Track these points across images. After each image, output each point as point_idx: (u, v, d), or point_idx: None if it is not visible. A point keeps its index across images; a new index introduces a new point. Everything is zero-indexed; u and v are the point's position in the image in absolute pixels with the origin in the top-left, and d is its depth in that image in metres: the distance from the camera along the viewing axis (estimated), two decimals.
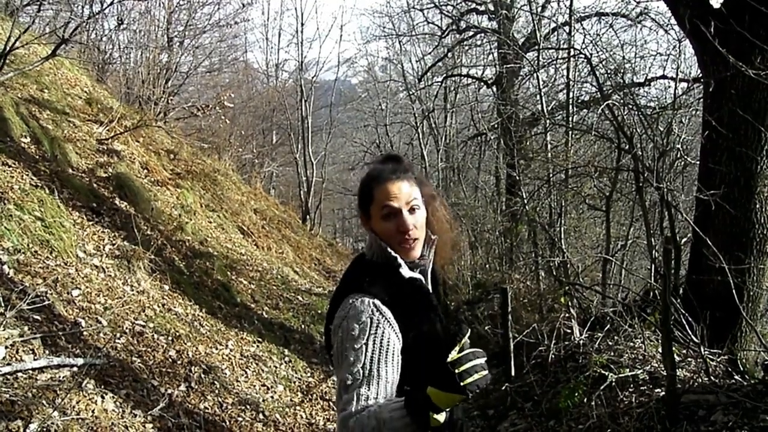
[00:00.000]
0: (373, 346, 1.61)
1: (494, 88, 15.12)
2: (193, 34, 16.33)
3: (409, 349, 1.70)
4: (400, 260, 1.78)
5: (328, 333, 1.78)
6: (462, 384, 1.40)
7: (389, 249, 1.78)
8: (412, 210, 1.78)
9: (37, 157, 6.01)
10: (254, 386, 5.21)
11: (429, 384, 1.44)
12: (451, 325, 1.91)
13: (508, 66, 12.70)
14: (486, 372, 1.45)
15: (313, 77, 26.35)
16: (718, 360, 4.60)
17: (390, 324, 1.66)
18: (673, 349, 4.11)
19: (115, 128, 8.59)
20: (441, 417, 1.46)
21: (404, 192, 1.77)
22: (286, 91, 27.01)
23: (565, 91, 9.05)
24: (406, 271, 1.79)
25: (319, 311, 8.56)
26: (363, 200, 1.85)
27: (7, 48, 5.23)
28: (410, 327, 1.72)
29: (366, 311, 1.65)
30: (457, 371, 1.41)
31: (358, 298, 1.68)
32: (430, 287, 1.91)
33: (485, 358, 1.47)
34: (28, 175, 5.41)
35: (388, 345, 1.63)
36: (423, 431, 1.45)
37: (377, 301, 1.67)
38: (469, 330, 1.61)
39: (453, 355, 1.44)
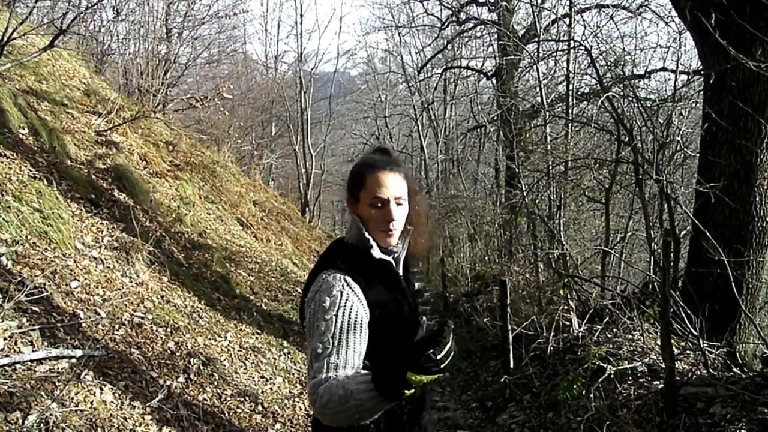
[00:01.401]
0: (343, 318, 1.75)
1: (494, 80, 15.09)
2: (192, 25, 16.26)
3: (375, 324, 1.84)
4: (372, 242, 1.91)
5: (302, 306, 1.91)
6: (433, 368, 1.55)
7: (364, 232, 1.91)
8: (398, 203, 1.91)
9: (36, 148, 5.99)
10: (253, 378, 5.21)
11: (406, 367, 1.55)
12: (407, 280, 2.08)
13: (508, 58, 12.67)
14: (455, 351, 1.60)
15: (312, 69, 26.35)
16: (717, 352, 4.61)
17: (359, 298, 1.80)
18: (672, 341, 4.11)
19: (113, 120, 8.56)
20: (411, 391, 1.58)
21: (395, 185, 1.90)
22: (286, 82, 26.97)
23: (565, 83, 9.03)
24: (376, 253, 1.92)
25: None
26: (354, 185, 1.96)
27: (5, 39, 5.21)
28: (377, 304, 1.85)
29: (337, 285, 1.78)
30: (428, 353, 1.55)
31: (330, 274, 1.82)
32: (401, 273, 2.05)
33: (453, 335, 1.60)
34: (26, 166, 5.39)
35: (356, 317, 1.77)
36: (392, 400, 1.60)
37: (348, 277, 1.81)
38: (420, 285, 1.77)
39: (439, 354, 1.56)
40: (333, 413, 1.66)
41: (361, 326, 1.78)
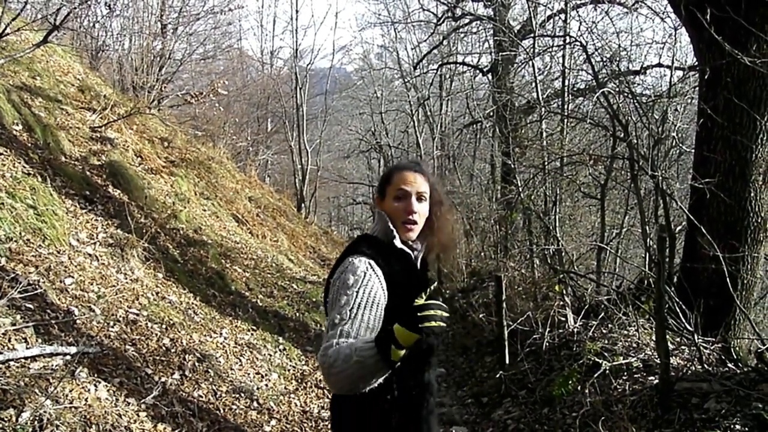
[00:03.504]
0: (363, 294, 1.91)
1: (490, 76, 15.06)
2: (186, 20, 16.19)
3: (391, 310, 1.97)
4: (395, 233, 2.09)
5: (327, 287, 2.07)
6: (420, 326, 1.67)
7: (389, 224, 2.10)
8: (419, 198, 2.12)
9: (30, 144, 5.96)
10: (248, 374, 5.21)
11: (396, 323, 1.71)
12: (423, 273, 2.25)
13: (504, 54, 12.65)
14: (444, 324, 1.69)
15: (308, 65, 26.23)
16: (712, 348, 4.62)
17: (380, 281, 1.97)
18: (667, 337, 4.12)
19: (108, 116, 8.53)
20: (400, 352, 1.72)
21: (417, 182, 2.12)
22: (281, 78, 26.90)
23: (560, 79, 9.01)
24: (398, 242, 2.11)
25: (314, 299, 8.56)
26: (382, 182, 2.19)
27: None
28: (396, 289, 2.01)
29: (361, 267, 1.95)
30: (419, 314, 1.67)
31: (356, 257, 1.99)
32: (418, 267, 2.20)
33: (447, 314, 1.71)
34: (20, 162, 5.37)
35: (375, 296, 1.93)
36: (386, 361, 1.72)
37: (372, 261, 1.98)
38: (436, 281, 2.00)
39: (419, 300, 1.72)
40: (338, 372, 1.77)
41: (378, 305, 1.94)
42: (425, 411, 2.18)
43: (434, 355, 2.17)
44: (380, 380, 1.82)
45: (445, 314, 1.69)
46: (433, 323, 1.67)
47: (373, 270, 1.96)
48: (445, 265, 2.30)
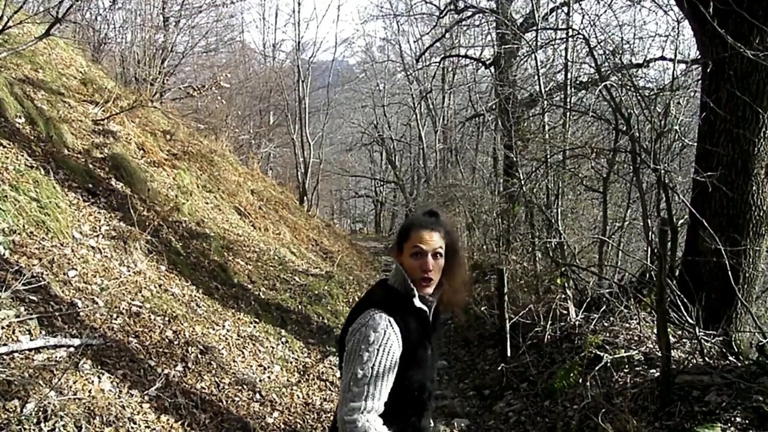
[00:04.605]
0: (383, 353, 2.03)
1: (492, 69, 15.04)
2: (189, 13, 16.17)
3: (402, 364, 2.11)
4: (415, 291, 2.19)
5: (342, 339, 2.19)
6: None
7: (409, 281, 2.19)
8: (435, 256, 2.20)
9: (32, 137, 5.97)
10: (251, 366, 5.23)
11: None
12: (436, 320, 2.37)
13: (507, 46, 12.61)
14: None
15: (310, 57, 26.20)
16: (713, 341, 4.63)
17: (397, 339, 2.08)
18: (669, 330, 4.13)
19: (110, 109, 8.53)
20: None
21: (434, 240, 2.20)
22: (283, 71, 26.85)
23: (563, 72, 9.01)
24: (417, 302, 2.20)
25: (316, 292, 8.57)
26: (401, 237, 2.26)
27: (0, 27, 5.18)
28: (408, 345, 2.12)
29: (382, 324, 2.06)
30: None
31: (377, 313, 2.08)
32: (431, 318, 2.31)
33: None
34: (23, 155, 5.38)
35: (394, 355, 2.06)
36: None
37: (392, 319, 2.08)
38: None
39: None
40: None
41: (395, 363, 2.07)
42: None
43: (429, 404, 2.33)
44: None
45: None
46: None
47: (392, 328, 2.07)
48: (454, 308, 2.38)
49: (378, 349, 2.02)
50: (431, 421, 2.47)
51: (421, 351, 2.22)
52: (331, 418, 3.94)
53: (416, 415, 2.25)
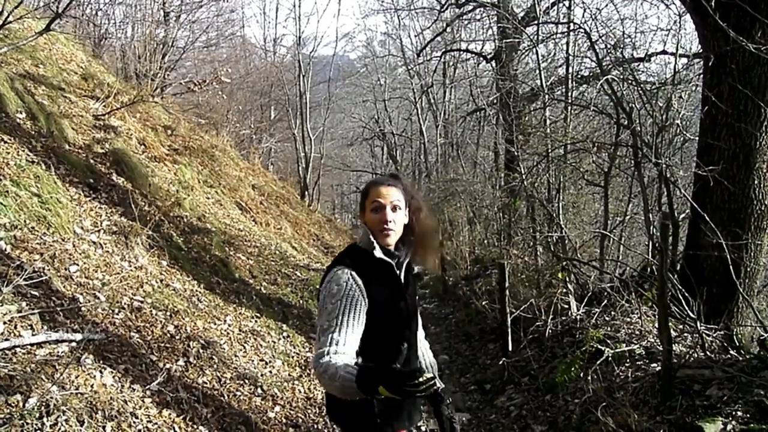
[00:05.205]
0: (346, 302, 2.19)
1: (493, 63, 14.99)
2: (189, 8, 16.16)
3: (371, 312, 2.27)
4: (375, 244, 2.36)
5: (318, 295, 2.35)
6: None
7: (371, 236, 2.37)
8: (394, 209, 2.37)
9: (33, 132, 5.97)
10: (252, 361, 5.23)
11: (381, 382, 1.84)
12: (408, 275, 2.55)
13: (508, 41, 12.59)
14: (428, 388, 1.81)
15: (311, 52, 26.15)
16: (714, 335, 4.63)
17: (360, 290, 2.24)
18: (670, 324, 4.13)
19: (111, 104, 8.53)
20: (385, 392, 1.86)
21: (391, 194, 2.37)
22: (284, 66, 26.81)
23: (564, 66, 8.97)
24: (378, 253, 2.37)
25: (318, 287, 8.57)
26: (363, 197, 2.43)
27: (1, 22, 5.17)
28: (374, 294, 2.29)
29: (343, 277, 2.24)
30: (406, 385, 1.79)
31: (339, 269, 2.28)
32: (403, 276, 2.49)
33: (437, 387, 1.83)
34: (24, 150, 5.38)
35: (357, 303, 2.21)
36: (366, 394, 1.91)
37: (353, 272, 2.26)
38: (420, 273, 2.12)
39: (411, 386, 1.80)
40: (325, 383, 2.06)
41: (360, 312, 2.21)
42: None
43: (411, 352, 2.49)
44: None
45: (434, 387, 1.81)
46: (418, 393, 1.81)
47: (354, 280, 2.24)
48: (426, 266, 2.44)
49: (341, 300, 2.18)
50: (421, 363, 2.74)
51: (390, 301, 2.39)
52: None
53: (396, 363, 2.24)
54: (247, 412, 4.37)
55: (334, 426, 4.71)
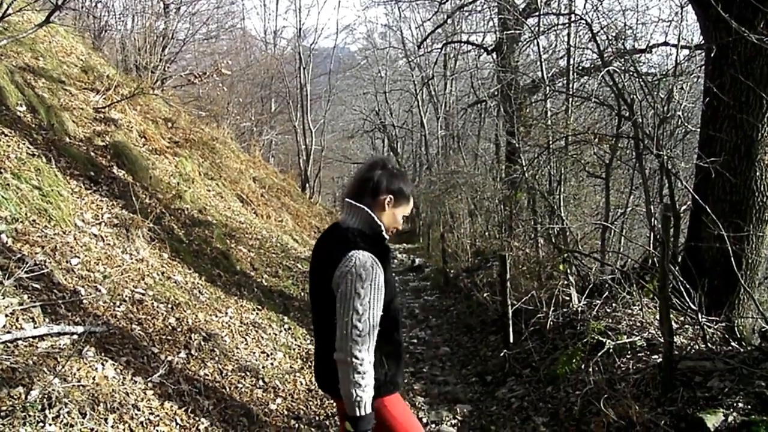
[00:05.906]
0: (375, 288, 2.36)
1: (494, 55, 14.95)
2: (189, 0, 16.11)
3: (386, 295, 2.46)
4: (385, 234, 2.59)
5: (318, 271, 2.58)
6: None
7: (378, 224, 2.56)
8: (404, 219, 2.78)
9: (34, 125, 5.96)
10: (254, 353, 5.24)
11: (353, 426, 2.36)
12: None
13: (509, 32, 12.54)
14: None
15: (311, 44, 26.14)
16: (716, 327, 4.63)
17: (381, 272, 2.41)
18: (671, 316, 4.13)
19: (111, 96, 8.52)
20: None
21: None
22: (285, 58, 26.79)
23: (565, 58, 8.94)
24: (386, 240, 2.62)
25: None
26: (400, 196, 2.62)
27: (0, 15, 5.16)
28: (387, 277, 2.48)
29: (368, 261, 2.37)
30: None
31: (361, 253, 2.39)
32: None
33: None
34: (24, 143, 5.37)
35: (382, 288, 2.40)
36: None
37: (373, 256, 2.41)
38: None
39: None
40: (349, 377, 2.31)
41: (383, 291, 2.41)
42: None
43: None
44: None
45: None
46: None
47: (376, 263, 2.39)
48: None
49: (371, 285, 2.34)
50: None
51: (393, 281, 2.63)
52: (333, 405, 3.96)
53: (396, 331, 2.65)
54: (249, 404, 4.38)
55: (334, 418, 4.74)
